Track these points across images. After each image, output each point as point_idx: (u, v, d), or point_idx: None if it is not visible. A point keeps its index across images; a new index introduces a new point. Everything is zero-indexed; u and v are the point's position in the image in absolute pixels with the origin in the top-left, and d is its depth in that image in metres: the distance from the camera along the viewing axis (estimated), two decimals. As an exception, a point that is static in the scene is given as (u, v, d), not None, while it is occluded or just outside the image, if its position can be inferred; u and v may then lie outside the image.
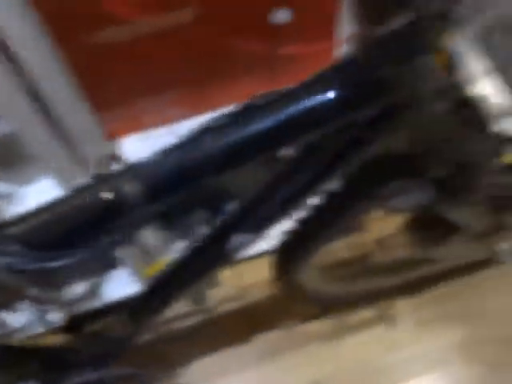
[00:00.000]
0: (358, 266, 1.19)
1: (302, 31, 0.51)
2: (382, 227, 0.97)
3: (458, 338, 1.11)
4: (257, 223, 0.58)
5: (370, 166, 0.69)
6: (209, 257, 0.64)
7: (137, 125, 0.80)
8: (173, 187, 0.47)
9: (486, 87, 0.38)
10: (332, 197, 0.67)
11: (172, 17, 0.62)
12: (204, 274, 0.67)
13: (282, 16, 0.58)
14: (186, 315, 1.16)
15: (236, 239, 0.61)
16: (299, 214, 0.72)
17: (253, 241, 0.62)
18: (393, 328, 1.13)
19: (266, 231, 0.61)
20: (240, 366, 1.12)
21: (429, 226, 0.81)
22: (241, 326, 1.15)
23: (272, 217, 0.57)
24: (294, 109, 0.44)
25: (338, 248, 1.22)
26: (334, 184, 0.75)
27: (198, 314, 1.16)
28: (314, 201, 0.81)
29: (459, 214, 0.66)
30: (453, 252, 0.88)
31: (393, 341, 1.12)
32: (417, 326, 1.13)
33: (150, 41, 0.65)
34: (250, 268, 1.17)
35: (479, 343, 1.10)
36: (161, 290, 0.69)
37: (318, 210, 0.68)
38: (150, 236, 0.66)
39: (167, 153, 0.47)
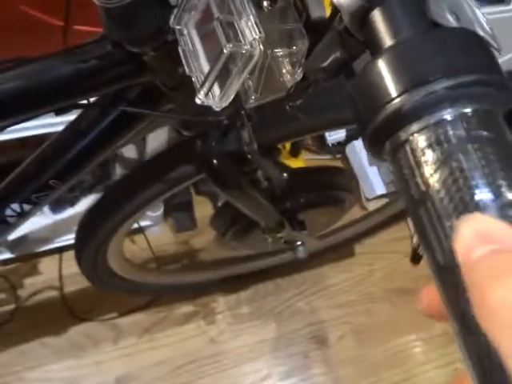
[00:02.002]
0: (184, 261, 1.21)
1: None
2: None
3: (272, 333, 1.18)
4: (31, 195, 0.58)
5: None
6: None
7: None
8: None
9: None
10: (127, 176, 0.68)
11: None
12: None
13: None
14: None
15: (15, 208, 0.61)
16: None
17: (34, 210, 0.62)
18: (213, 322, 1.17)
19: (43, 203, 0.61)
20: (48, 359, 1.08)
21: (232, 221, 0.86)
22: (57, 316, 1.11)
23: (43, 190, 0.57)
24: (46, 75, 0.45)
25: (166, 243, 1.24)
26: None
27: (11, 302, 1.11)
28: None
29: (243, 207, 0.71)
30: (255, 247, 0.94)
31: (212, 335, 1.16)
32: (235, 321, 1.18)
33: None
34: (72, 256, 1.14)
35: (290, 338, 1.18)
36: None
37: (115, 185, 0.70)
38: None
39: None
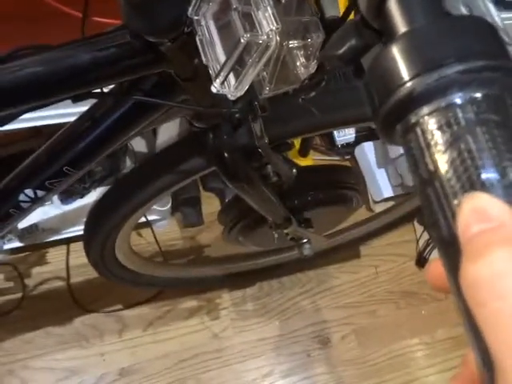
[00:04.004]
0: (190, 256, 1.22)
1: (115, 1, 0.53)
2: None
3: (275, 331, 1.19)
4: (44, 181, 0.59)
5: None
6: (2, 207, 0.64)
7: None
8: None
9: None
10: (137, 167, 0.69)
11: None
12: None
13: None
14: (0, 291, 1.12)
15: (29, 193, 0.62)
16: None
17: (47, 197, 0.63)
18: (217, 318, 1.18)
19: (57, 190, 0.62)
20: (53, 348, 1.09)
21: (240, 216, 0.87)
22: (63, 306, 1.13)
23: (57, 176, 0.59)
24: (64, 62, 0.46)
25: (173, 237, 1.25)
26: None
27: (18, 291, 1.12)
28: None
29: (252, 201, 0.72)
30: (262, 243, 0.95)
31: (216, 331, 1.17)
32: (239, 318, 1.19)
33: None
34: (79, 247, 1.16)
35: (293, 336, 1.19)
36: None
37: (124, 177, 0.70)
38: None
39: None
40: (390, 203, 1.28)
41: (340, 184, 0.87)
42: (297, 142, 1.24)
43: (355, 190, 0.89)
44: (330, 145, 1.35)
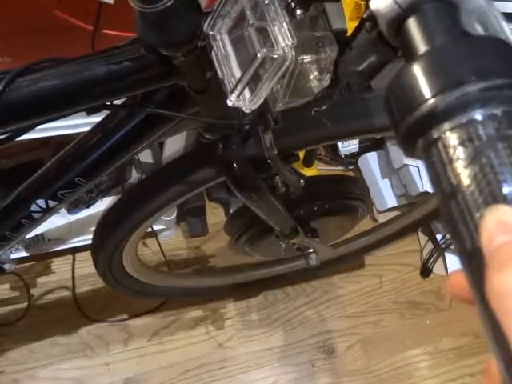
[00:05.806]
0: (195, 266, 1.23)
1: (125, 15, 0.54)
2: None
3: (280, 341, 1.19)
4: (56, 192, 0.60)
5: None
6: (14, 217, 0.64)
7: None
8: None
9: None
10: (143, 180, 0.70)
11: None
12: (7, 236, 0.66)
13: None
14: (7, 301, 1.12)
15: (41, 203, 0.63)
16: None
17: (58, 207, 0.63)
18: (222, 328, 1.18)
19: (68, 200, 0.62)
20: (59, 358, 1.09)
21: (247, 226, 0.88)
22: (68, 316, 1.13)
23: (69, 187, 0.59)
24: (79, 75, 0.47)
25: (178, 247, 1.25)
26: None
27: (24, 300, 1.12)
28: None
29: (260, 211, 0.72)
30: (268, 253, 0.95)
31: (220, 341, 1.17)
32: (244, 328, 1.19)
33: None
34: (85, 257, 1.16)
35: (298, 346, 1.19)
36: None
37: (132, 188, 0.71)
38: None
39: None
40: (394, 213, 1.29)
41: (346, 194, 0.88)
42: (301, 153, 1.24)
43: (361, 200, 0.90)
44: (334, 155, 1.36)
